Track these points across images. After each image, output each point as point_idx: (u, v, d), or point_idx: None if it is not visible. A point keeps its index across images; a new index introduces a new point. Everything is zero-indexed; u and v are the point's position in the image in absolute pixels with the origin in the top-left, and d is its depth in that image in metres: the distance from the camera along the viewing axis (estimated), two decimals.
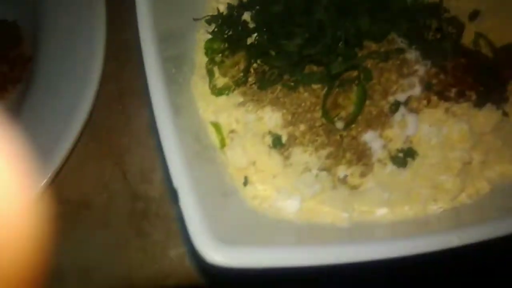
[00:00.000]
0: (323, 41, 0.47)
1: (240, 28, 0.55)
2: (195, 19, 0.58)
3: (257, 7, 0.55)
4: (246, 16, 0.57)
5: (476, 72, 0.57)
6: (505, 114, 0.54)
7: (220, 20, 0.57)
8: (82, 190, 0.63)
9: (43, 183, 0.57)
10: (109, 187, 0.62)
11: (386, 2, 0.50)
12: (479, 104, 0.52)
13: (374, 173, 0.49)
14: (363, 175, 0.49)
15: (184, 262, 0.60)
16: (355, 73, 0.48)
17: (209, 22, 0.58)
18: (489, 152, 0.51)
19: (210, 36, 0.56)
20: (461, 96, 0.53)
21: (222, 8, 0.59)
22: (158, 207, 0.62)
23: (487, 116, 0.51)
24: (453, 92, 0.52)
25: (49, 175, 0.57)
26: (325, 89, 0.48)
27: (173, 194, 0.37)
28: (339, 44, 0.48)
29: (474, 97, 0.54)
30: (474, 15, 0.63)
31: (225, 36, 0.55)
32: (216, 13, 0.58)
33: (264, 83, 0.49)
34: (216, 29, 0.56)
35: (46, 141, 0.60)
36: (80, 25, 0.65)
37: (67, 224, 0.61)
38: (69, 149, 0.60)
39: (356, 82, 0.48)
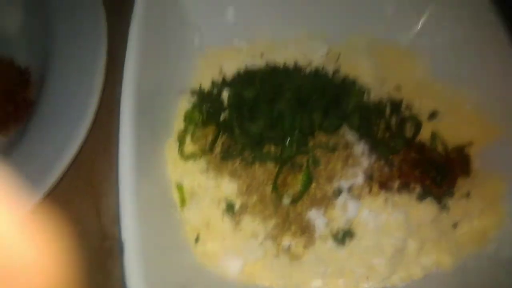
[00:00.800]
0: (281, 127, 0.54)
1: (216, 105, 0.62)
2: (181, 91, 0.66)
3: (234, 88, 0.63)
4: (225, 94, 0.65)
5: (426, 167, 0.63)
6: (445, 207, 0.59)
7: (202, 95, 0.65)
8: (60, 220, 0.67)
9: (29, 207, 0.61)
10: (83, 223, 0.67)
11: (341, 100, 0.57)
12: (421, 197, 0.58)
13: (315, 246, 0.54)
14: (305, 246, 0.54)
15: None
16: (305, 158, 0.55)
17: (193, 93, 0.66)
18: (425, 241, 0.56)
19: (190, 106, 0.64)
20: (404, 187, 0.58)
21: (207, 83, 0.68)
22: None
23: (426, 209, 0.56)
24: (396, 183, 0.58)
25: (33, 202, 0.62)
26: (278, 167, 0.55)
27: (121, 245, 0.43)
28: (295, 132, 0.55)
29: (418, 189, 0.59)
30: (432, 115, 0.70)
31: (203, 109, 0.63)
32: (200, 85, 0.66)
33: (226, 156, 0.56)
34: (197, 102, 0.64)
35: (36, 173, 0.65)
36: (80, 76, 0.73)
37: (41, 246, 0.65)
38: (54, 181, 0.64)
39: (304, 166, 0.54)
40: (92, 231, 0.66)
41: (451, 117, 0.70)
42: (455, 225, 0.58)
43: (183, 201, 0.55)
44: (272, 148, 0.57)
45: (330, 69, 0.71)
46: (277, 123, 0.56)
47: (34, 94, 0.76)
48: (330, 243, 0.53)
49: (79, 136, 0.67)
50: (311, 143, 0.56)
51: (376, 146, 0.58)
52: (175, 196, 0.56)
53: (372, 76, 0.74)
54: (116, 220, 0.67)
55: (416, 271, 0.53)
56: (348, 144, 0.57)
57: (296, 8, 0.75)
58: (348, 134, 0.58)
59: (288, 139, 0.55)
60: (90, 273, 0.63)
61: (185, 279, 0.48)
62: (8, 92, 0.73)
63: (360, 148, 0.57)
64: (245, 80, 0.65)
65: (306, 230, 0.53)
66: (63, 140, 0.68)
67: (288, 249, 0.53)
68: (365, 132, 0.58)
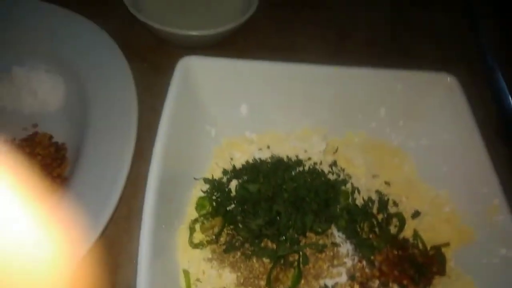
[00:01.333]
0: (277, 226, 0.63)
1: (225, 195, 0.72)
2: (195, 179, 0.76)
3: (241, 180, 0.73)
4: (233, 184, 0.75)
5: (405, 265, 0.71)
6: None
7: (213, 183, 0.74)
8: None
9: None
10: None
11: (330, 203, 0.66)
12: None
13: None
14: None
15: None
16: (296, 256, 0.63)
17: (205, 181, 0.76)
18: None
19: (202, 194, 0.74)
20: (384, 287, 0.66)
21: (219, 172, 0.78)
22: None
23: None
24: (376, 283, 0.66)
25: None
26: (272, 263, 0.63)
27: None
28: (289, 230, 0.64)
29: None
30: (415, 214, 0.79)
31: (214, 197, 0.73)
32: (212, 175, 0.76)
33: (229, 248, 0.65)
34: (208, 190, 0.74)
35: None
36: (112, 154, 0.81)
37: None
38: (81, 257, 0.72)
39: (295, 264, 0.62)
40: None
41: (431, 218, 0.78)
42: None
43: (188, 286, 0.63)
44: (269, 243, 0.65)
45: (328, 161, 0.81)
46: (274, 222, 0.65)
47: (68, 170, 0.85)
48: None
49: (108, 212, 0.75)
50: (302, 242, 0.65)
51: (360, 246, 0.66)
52: (181, 281, 0.64)
53: (364, 171, 0.83)
54: None
55: None
56: (335, 244, 0.65)
57: (300, 107, 0.86)
58: (335, 235, 0.66)
59: (283, 237, 0.64)
60: None
61: None
62: (45, 168, 0.83)
63: (345, 249, 0.65)
64: (251, 173, 0.74)
65: None
66: (93, 215, 0.75)
67: None
68: (351, 233, 0.66)
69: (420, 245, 0.75)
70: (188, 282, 0.64)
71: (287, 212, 0.64)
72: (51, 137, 0.90)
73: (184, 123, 0.76)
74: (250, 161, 0.79)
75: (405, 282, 0.68)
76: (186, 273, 0.64)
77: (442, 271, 0.72)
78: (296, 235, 0.64)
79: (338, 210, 0.66)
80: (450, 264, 0.73)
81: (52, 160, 0.86)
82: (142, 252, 0.58)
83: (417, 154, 0.86)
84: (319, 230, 0.64)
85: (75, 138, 0.88)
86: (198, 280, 0.64)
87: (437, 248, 0.75)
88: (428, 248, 0.75)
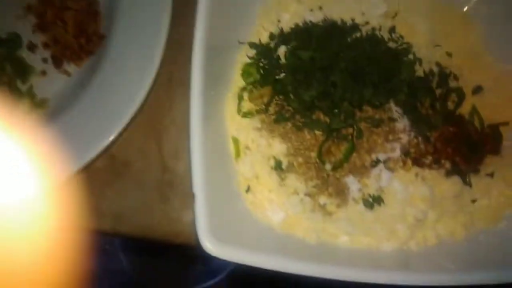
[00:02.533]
0: (332, 98, 0.59)
1: (273, 62, 0.66)
2: (240, 42, 0.70)
3: (291, 45, 0.67)
4: (282, 50, 0.68)
5: (459, 142, 0.68)
6: (468, 184, 0.66)
7: (259, 49, 0.68)
8: (126, 153, 0.77)
9: (104, 146, 0.70)
10: (147, 156, 0.76)
11: (391, 75, 0.61)
12: (448, 173, 0.64)
13: (347, 207, 0.62)
14: (338, 206, 0.62)
15: (191, 228, 0.74)
16: (350, 130, 0.60)
17: (251, 46, 0.69)
18: (444, 213, 0.63)
19: (248, 60, 0.68)
20: (436, 163, 0.64)
21: (266, 36, 0.71)
22: (182, 181, 0.76)
23: (451, 186, 0.63)
24: (429, 159, 0.64)
25: (108, 141, 0.70)
26: (324, 136, 0.61)
27: (193, 195, 0.52)
28: (345, 103, 0.60)
29: (447, 165, 0.65)
30: (476, 90, 0.73)
31: (261, 64, 0.68)
32: (259, 38, 0.70)
33: (279, 118, 0.62)
34: (254, 56, 0.68)
35: (112, 108, 0.72)
36: (148, 12, 0.76)
37: (110, 176, 0.77)
38: (125, 123, 0.71)
39: (349, 138, 0.60)
40: (154, 164, 0.76)
41: (493, 95, 0.72)
42: (474, 201, 0.65)
43: (238, 153, 0.63)
44: (322, 116, 0.62)
45: (387, 27, 0.73)
46: (329, 93, 0.60)
47: (104, 28, 0.80)
48: (360, 206, 0.61)
49: (151, 72, 0.72)
50: (357, 116, 0.61)
51: (417, 121, 0.63)
52: (231, 148, 0.63)
53: (426, 39, 0.75)
54: (175, 154, 0.77)
55: (431, 238, 0.62)
56: (391, 119, 0.62)
57: None
58: (393, 110, 0.62)
59: (337, 110, 0.60)
60: (153, 203, 0.74)
61: (238, 222, 0.58)
62: (80, 23, 0.78)
63: (401, 124, 0.62)
64: (301, 38, 0.67)
65: (341, 193, 0.61)
66: (135, 75, 0.73)
67: (323, 206, 0.61)
68: (409, 108, 0.62)
69: (477, 122, 0.71)
70: (237, 149, 0.63)
71: (344, 83, 0.59)
72: None
73: None
74: (300, 24, 0.71)
75: (457, 159, 0.66)
76: (236, 140, 0.63)
77: (496, 150, 0.69)
78: (351, 108, 0.60)
79: (399, 82, 0.61)
80: (505, 144, 0.70)
81: (86, 15, 0.80)
82: (193, 114, 0.56)
83: (487, 22, 0.76)
84: (377, 103, 0.60)
85: None
86: (247, 148, 0.63)
87: (494, 126, 0.71)
88: (485, 125, 0.71)
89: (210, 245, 0.50)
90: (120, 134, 0.75)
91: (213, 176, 0.56)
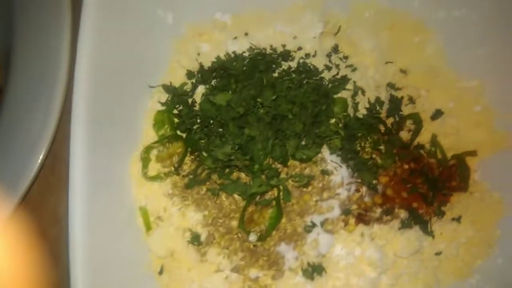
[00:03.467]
0: (251, 153, 0.48)
1: (188, 108, 0.56)
2: (151, 86, 0.59)
3: (208, 86, 0.56)
4: (199, 91, 0.58)
5: (418, 180, 0.57)
6: (430, 233, 0.55)
7: (173, 92, 0.58)
8: (38, 221, 0.67)
9: (6, 212, 0.61)
10: (61, 223, 0.67)
11: (319, 123, 0.50)
12: (404, 226, 0.53)
13: (283, 279, 0.52)
14: (274, 278, 0.52)
15: None
16: (275, 191, 0.50)
17: (165, 90, 0.59)
18: (401, 276, 0.53)
19: (161, 107, 0.58)
20: (387, 214, 0.53)
21: (182, 74, 0.60)
22: None
23: (406, 242, 0.52)
24: (377, 212, 0.53)
25: (12, 205, 0.60)
26: (245, 202, 0.50)
27: None
28: (266, 159, 0.49)
29: (402, 214, 0.55)
30: (436, 115, 0.62)
31: (175, 111, 0.57)
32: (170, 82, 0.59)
33: (191, 183, 0.51)
34: (168, 101, 0.57)
35: (9, 173, 0.64)
36: (47, 59, 0.66)
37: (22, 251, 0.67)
38: (30, 181, 0.63)
39: (273, 203, 0.49)
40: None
41: (456, 119, 0.61)
42: (438, 254, 0.54)
43: (147, 225, 0.52)
44: (243, 175, 0.51)
45: (325, 50, 0.61)
46: (247, 148, 0.49)
47: (1, 80, 0.70)
48: (299, 277, 0.51)
49: (52, 123, 0.63)
50: (283, 173, 0.50)
51: (360, 169, 0.52)
52: (139, 220, 0.53)
53: (374, 57, 0.64)
54: None
55: None
56: (325, 172, 0.51)
57: None
58: (327, 160, 0.51)
59: (258, 166, 0.49)
60: None
61: None
62: None
63: (338, 177, 0.51)
64: (221, 76, 0.57)
65: (274, 264, 0.51)
66: (36, 129, 0.63)
67: (255, 281, 0.51)
68: (348, 154, 0.51)
69: (439, 153, 0.60)
70: (147, 221, 0.52)
71: (262, 136, 0.48)
72: None
73: (121, 7, 0.56)
74: (222, 56, 0.60)
75: (415, 205, 0.55)
76: (143, 210, 0.53)
77: (463, 186, 0.58)
78: (275, 164, 0.49)
79: (331, 126, 0.50)
80: (475, 177, 0.59)
81: None
82: (74, 185, 0.46)
83: (446, 31, 0.64)
84: (304, 157, 0.49)
85: (3, 44, 0.70)
86: (159, 218, 0.53)
87: (460, 157, 0.59)
88: (449, 158, 0.60)
89: None
90: (29, 198, 0.66)
91: (110, 261, 0.46)
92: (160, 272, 0.51)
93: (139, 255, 0.52)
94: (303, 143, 0.49)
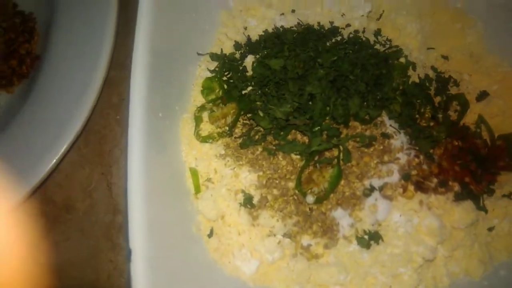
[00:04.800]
0: (311, 113, 0.47)
1: (238, 74, 0.55)
2: (199, 54, 0.58)
3: (260, 54, 0.55)
4: (248, 60, 0.57)
5: (467, 158, 0.56)
6: (482, 208, 0.54)
7: (222, 60, 0.57)
8: (67, 194, 0.65)
9: (34, 184, 0.58)
10: (93, 196, 0.64)
11: (382, 80, 0.49)
12: (459, 198, 0.52)
13: (337, 248, 0.50)
14: (326, 247, 0.50)
15: None
16: (335, 152, 0.48)
17: (212, 58, 0.58)
18: (457, 248, 0.51)
19: (209, 74, 0.57)
20: (442, 186, 0.52)
21: (229, 46, 0.60)
22: None
23: (463, 213, 0.51)
24: (434, 182, 0.52)
25: (40, 177, 0.59)
26: (304, 161, 0.49)
27: (128, 252, 0.39)
28: (327, 119, 0.48)
29: (456, 188, 0.53)
30: (482, 96, 0.62)
31: (224, 78, 0.56)
32: (221, 49, 0.59)
33: (246, 142, 0.50)
34: (217, 69, 0.57)
35: (42, 141, 0.61)
36: (90, 28, 0.65)
37: (49, 223, 0.64)
38: (62, 152, 0.60)
39: (334, 162, 0.48)
40: (103, 204, 0.63)
41: (501, 100, 0.61)
42: (491, 229, 0.53)
43: (197, 188, 0.50)
44: (299, 136, 0.50)
45: (372, 29, 0.62)
46: (306, 108, 0.48)
47: (39, 47, 0.69)
48: (354, 246, 0.49)
49: (90, 97, 0.61)
50: (343, 134, 0.49)
51: (417, 137, 0.51)
52: (189, 182, 0.51)
53: (417, 42, 0.64)
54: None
55: (442, 279, 0.50)
56: (385, 136, 0.50)
57: None
58: (386, 124, 0.51)
59: (318, 127, 0.48)
60: (102, 249, 0.61)
61: (195, 277, 0.45)
62: (11, 42, 0.66)
63: (398, 141, 0.50)
64: (272, 45, 0.56)
65: (328, 230, 0.49)
66: (73, 101, 0.62)
67: (307, 249, 0.49)
68: (407, 120, 0.51)
69: (485, 134, 0.59)
70: (196, 182, 0.50)
71: (324, 94, 0.47)
72: (15, 5, 0.71)
73: None
74: (270, 30, 0.60)
75: (467, 179, 0.54)
76: (194, 171, 0.51)
77: (510, 166, 0.58)
78: (335, 125, 0.48)
79: (391, 90, 0.49)
80: None
81: (18, 34, 0.68)
82: (132, 145, 0.44)
83: (486, 19, 0.66)
84: (367, 117, 0.48)
85: (45, 7, 0.70)
86: (209, 180, 0.51)
87: (507, 137, 0.59)
88: (496, 137, 0.59)
89: None
90: (58, 169, 0.63)
91: (162, 220, 0.44)
92: (210, 235, 0.49)
93: (189, 217, 0.49)
94: (365, 104, 0.48)
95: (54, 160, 0.60)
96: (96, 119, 0.67)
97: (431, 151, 0.52)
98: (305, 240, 0.49)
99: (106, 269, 0.62)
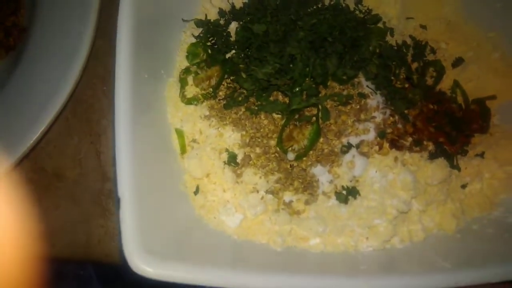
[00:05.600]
0: (291, 73, 0.49)
1: (222, 40, 0.56)
2: (184, 20, 0.60)
3: (244, 21, 0.57)
4: (232, 27, 0.59)
5: (442, 120, 0.59)
6: (456, 167, 0.56)
7: (207, 26, 0.59)
8: (57, 163, 0.66)
9: (22, 152, 0.59)
10: (82, 164, 0.66)
11: (360, 42, 0.51)
12: (432, 156, 0.55)
13: (317, 203, 0.52)
14: (307, 203, 0.52)
15: None
16: (314, 111, 0.51)
17: (197, 24, 0.60)
18: (431, 203, 0.54)
19: (194, 40, 0.58)
20: (417, 145, 0.55)
21: (214, 13, 0.61)
22: None
23: (436, 170, 0.54)
24: (409, 141, 0.54)
25: (28, 144, 0.60)
26: (284, 120, 0.51)
27: (117, 201, 0.41)
28: (306, 79, 0.50)
29: (430, 147, 0.56)
30: (457, 62, 0.64)
31: (208, 43, 0.58)
32: (205, 15, 0.60)
33: (230, 103, 0.52)
34: (201, 34, 0.58)
35: (30, 111, 0.62)
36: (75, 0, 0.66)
37: (39, 191, 0.65)
38: (50, 121, 0.61)
39: (313, 120, 0.50)
40: (92, 173, 0.64)
41: (476, 66, 0.64)
42: (463, 186, 0.56)
43: (183, 148, 0.52)
44: (280, 97, 0.52)
45: (352, 0, 0.64)
46: (287, 69, 0.50)
47: (26, 20, 0.69)
48: (333, 201, 0.51)
49: (77, 67, 0.62)
50: (322, 94, 0.51)
51: (393, 98, 0.53)
52: (175, 142, 0.53)
53: (397, 10, 0.66)
54: (115, 161, 0.66)
55: (417, 233, 0.52)
56: (362, 95, 0.52)
57: None
58: (363, 84, 0.53)
59: (298, 88, 0.50)
60: (92, 215, 0.63)
61: (182, 230, 0.48)
62: None
63: (374, 101, 0.53)
64: (255, 11, 0.58)
65: (309, 187, 0.51)
66: (60, 71, 0.63)
67: (289, 205, 0.51)
68: (383, 82, 0.53)
69: (460, 98, 0.62)
70: (182, 143, 0.52)
71: (303, 55, 0.49)
72: None
73: None
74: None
75: (441, 139, 0.57)
76: (180, 132, 0.53)
77: (484, 128, 0.61)
78: (314, 85, 0.50)
79: (368, 52, 0.51)
80: (494, 120, 0.62)
81: (4, 7, 0.69)
82: (119, 105, 0.45)
83: None
84: (344, 77, 0.51)
85: None
86: (194, 141, 0.53)
87: (480, 101, 0.62)
88: (470, 101, 0.62)
89: (142, 263, 0.39)
90: (48, 139, 0.65)
91: (150, 176, 0.46)
92: (196, 192, 0.51)
93: (176, 176, 0.51)
94: (343, 64, 0.50)
95: (43, 127, 0.61)
96: (83, 89, 0.68)
97: (406, 111, 0.54)
98: (287, 196, 0.52)
99: (97, 233, 0.64)
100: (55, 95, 0.62)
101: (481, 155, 0.58)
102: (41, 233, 0.64)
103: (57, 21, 0.66)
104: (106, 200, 0.64)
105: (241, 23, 0.58)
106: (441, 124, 0.58)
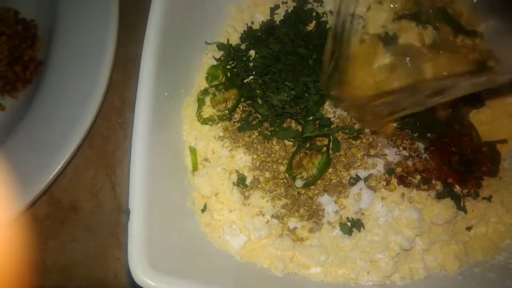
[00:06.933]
0: (305, 103, 0.51)
1: (242, 64, 0.58)
2: (207, 43, 0.62)
3: (260, 43, 0.59)
4: (252, 52, 0.61)
5: (454, 158, 0.59)
6: (462, 209, 0.57)
7: (228, 50, 0.61)
8: (73, 195, 0.66)
9: (40, 189, 0.60)
10: (98, 196, 0.66)
11: None
12: (440, 196, 0.55)
13: (321, 232, 0.53)
14: (311, 231, 0.53)
15: None
16: (324, 141, 0.52)
17: (219, 47, 0.62)
18: (435, 242, 0.54)
19: (215, 62, 0.60)
20: (425, 183, 0.55)
21: (236, 37, 0.63)
22: None
23: (442, 209, 0.54)
24: (417, 178, 0.55)
25: (46, 182, 0.60)
26: (295, 147, 0.52)
27: (127, 213, 0.42)
28: (320, 110, 0.51)
29: (438, 186, 0.57)
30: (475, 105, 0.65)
31: (228, 66, 0.59)
32: (227, 40, 0.62)
33: (244, 127, 0.53)
34: (222, 57, 0.60)
35: (48, 146, 0.63)
36: (92, 33, 0.67)
37: (54, 225, 0.66)
38: (69, 157, 0.62)
39: (324, 150, 0.51)
40: (107, 204, 0.65)
41: (490, 109, 0.65)
42: (469, 228, 0.56)
43: (195, 166, 0.54)
44: (293, 124, 0.54)
45: None
46: (302, 97, 0.52)
47: (42, 53, 0.71)
48: (337, 231, 0.52)
49: (95, 101, 0.63)
50: (334, 124, 0.53)
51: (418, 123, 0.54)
52: (187, 160, 0.54)
53: None
54: None
55: (419, 271, 0.53)
56: (374, 132, 0.53)
57: None
58: None
59: (312, 117, 0.52)
60: (108, 247, 0.63)
61: (186, 247, 0.49)
62: (14, 49, 0.69)
63: (385, 139, 0.53)
64: (267, 34, 0.60)
65: (314, 215, 0.52)
66: (78, 105, 0.63)
67: (293, 231, 0.52)
68: None
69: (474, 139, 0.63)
70: (195, 161, 0.54)
71: (316, 84, 0.51)
72: (16, 12, 0.74)
73: None
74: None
75: (449, 180, 0.57)
76: (193, 150, 0.54)
77: (493, 171, 0.61)
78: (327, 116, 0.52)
79: None
80: (504, 165, 0.62)
81: (21, 41, 0.71)
82: (138, 118, 0.47)
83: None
84: None
85: (46, 14, 0.73)
86: (206, 159, 0.54)
87: (491, 145, 0.62)
88: (482, 142, 0.62)
89: (144, 276, 0.40)
90: (64, 172, 0.65)
91: (160, 190, 0.47)
92: (203, 210, 0.52)
93: (185, 192, 0.52)
94: None
95: (61, 164, 0.61)
96: (99, 121, 0.67)
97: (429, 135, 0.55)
98: (292, 222, 0.53)
99: (113, 267, 0.64)
100: (74, 129, 0.62)
101: (489, 198, 0.58)
102: (58, 267, 0.64)
103: (73, 54, 0.67)
104: (122, 233, 0.64)
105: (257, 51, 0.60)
106: (451, 162, 0.59)
